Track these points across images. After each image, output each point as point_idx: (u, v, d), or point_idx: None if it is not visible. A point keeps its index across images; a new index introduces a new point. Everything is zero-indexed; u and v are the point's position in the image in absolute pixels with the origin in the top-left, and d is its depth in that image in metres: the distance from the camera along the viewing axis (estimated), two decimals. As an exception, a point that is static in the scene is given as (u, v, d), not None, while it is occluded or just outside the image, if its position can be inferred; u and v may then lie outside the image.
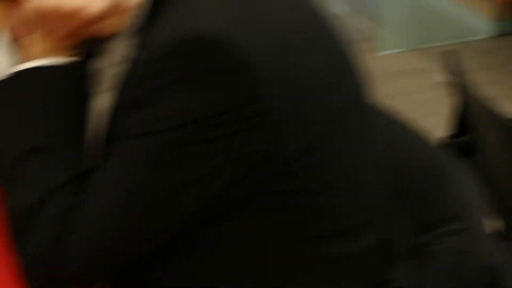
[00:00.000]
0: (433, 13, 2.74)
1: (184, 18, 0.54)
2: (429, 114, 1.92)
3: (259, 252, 0.62)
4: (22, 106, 0.59)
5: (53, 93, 0.59)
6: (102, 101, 0.60)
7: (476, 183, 0.80)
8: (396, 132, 0.83)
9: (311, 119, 0.58)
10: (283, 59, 0.55)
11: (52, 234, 0.55)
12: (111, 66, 0.60)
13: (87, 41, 0.62)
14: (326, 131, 0.60)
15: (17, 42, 0.65)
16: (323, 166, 0.60)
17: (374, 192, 0.68)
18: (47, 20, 0.58)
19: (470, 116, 0.78)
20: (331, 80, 0.63)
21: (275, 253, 0.62)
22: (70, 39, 0.60)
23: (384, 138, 0.75)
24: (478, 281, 0.65)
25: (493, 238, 0.75)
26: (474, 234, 0.72)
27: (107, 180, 0.55)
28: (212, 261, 0.62)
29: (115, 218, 0.56)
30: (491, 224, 0.75)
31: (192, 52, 0.50)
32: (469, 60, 2.30)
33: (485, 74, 2.27)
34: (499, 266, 0.67)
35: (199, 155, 0.53)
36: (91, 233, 0.56)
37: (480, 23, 2.76)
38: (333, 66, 0.65)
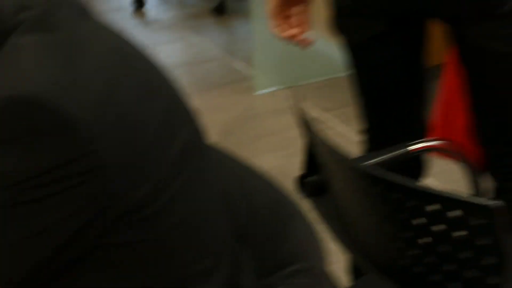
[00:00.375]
0: (306, 51, 2.89)
1: (7, 78, 0.54)
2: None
3: None
4: None
5: None
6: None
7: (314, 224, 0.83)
8: (240, 174, 0.85)
9: (147, 169, 0.59)
10: (110, 113, 0.56)
11: None
12: None
13: None
14: (164, 180, 0.60)
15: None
16: (163, 216, 0.60)
17: (218, 236, 0.69)
18: None
19: (317, 155, 0.82)
20: (166, 128, 0.64)
21: None
22: None
23: (228, 181, 0.78)
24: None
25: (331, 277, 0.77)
26: (316, 274, 0.73)
27: None
28: None
29: None
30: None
31: (17, 113, 0.51)
32: (341, 94, 2.48)
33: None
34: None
35: (32, 214, 0.54)
36: None
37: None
38: (167, 113, 0.66)
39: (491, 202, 0.53)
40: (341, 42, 1.07)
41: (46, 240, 0.57)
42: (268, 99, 2.75)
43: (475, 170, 1.02)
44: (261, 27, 2.62)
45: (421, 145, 1.00)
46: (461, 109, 1.27)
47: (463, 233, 0.59)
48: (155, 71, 0.69)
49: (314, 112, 2.63)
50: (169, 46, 3.35)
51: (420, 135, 1.10)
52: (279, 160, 2.14)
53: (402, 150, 0.93)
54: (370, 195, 0.68)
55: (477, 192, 1.05)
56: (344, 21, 1.06)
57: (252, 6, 2.69)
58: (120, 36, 0.69)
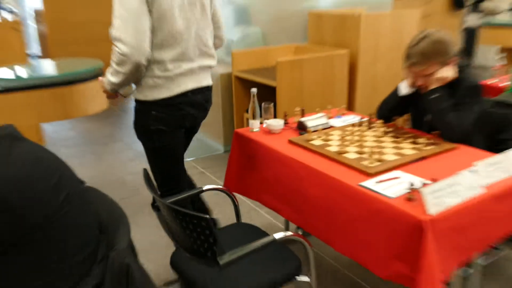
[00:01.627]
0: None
1: None
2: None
3: None
4: None
5: None
6: None
7: None
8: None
9: (43, 207, 1.20)
10: (23, 190, 1.16)
11: None
12: None
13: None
14: (53, 213, 1.20)
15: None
16: (56, 230, 1.26)
17: (92, 236, 1.42)
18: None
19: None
20: (54, 189, 1.23)
21: None
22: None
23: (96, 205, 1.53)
24: None
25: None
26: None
27: None
28: None
29: None
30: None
31: None
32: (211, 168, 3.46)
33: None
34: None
35: None
36: None
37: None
38: (57, 181, 1.25)
39: (207, 216, 1.42)
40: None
41: None
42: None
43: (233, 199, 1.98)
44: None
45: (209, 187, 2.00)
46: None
47: (202, 230, 1.48)
48: (55, 163, 1.33)
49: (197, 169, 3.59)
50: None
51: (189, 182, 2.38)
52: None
53: (197, 190, 1.94)
54: (172, 216, 1.56)
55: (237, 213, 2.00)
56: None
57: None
58: (37, 147, 1.32)
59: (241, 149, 2.38)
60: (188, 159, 4.05)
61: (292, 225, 2.75)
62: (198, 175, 3.72)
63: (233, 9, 4.25)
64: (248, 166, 2.34)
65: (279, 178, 2.12)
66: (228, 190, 2.09)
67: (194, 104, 2.19)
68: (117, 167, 3.93)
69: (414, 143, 2.08)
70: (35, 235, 1.23)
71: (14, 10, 5.81)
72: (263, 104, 2.42)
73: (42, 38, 6.37)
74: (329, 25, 3.97)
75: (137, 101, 2.18)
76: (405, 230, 1.54)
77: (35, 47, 7.33)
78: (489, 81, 3.38)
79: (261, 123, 2.41)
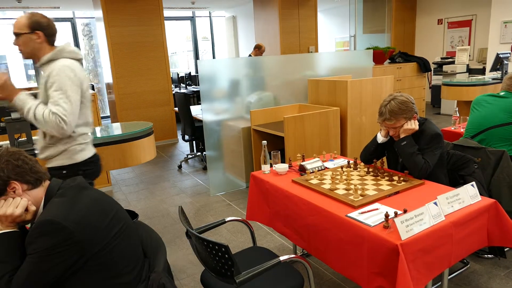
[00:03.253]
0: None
1: (45, 212, 1.27)
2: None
3: None
4: None
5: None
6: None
7: None
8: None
9: (100, 240, 1.28)
10: (85, 224, 1.24)
11: None
12: None
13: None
14: (109, 242, 1.30)
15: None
16: (112, 255, 1.32)
17: (139, 257, 1.43)
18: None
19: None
20: (111, 225, 1.32)
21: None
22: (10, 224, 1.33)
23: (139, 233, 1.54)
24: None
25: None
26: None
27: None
28: None
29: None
30: None
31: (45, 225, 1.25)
32: (236, 200, 3.45)
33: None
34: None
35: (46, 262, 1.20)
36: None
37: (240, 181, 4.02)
38: (112, 218, 1.34)
39: (224, 243, 1.41)
40: None
41: (52, 273, 1.20)
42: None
43: (249, 227, 1.95)
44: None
45: (230, 219, 1.97)
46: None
47: (223, 255, 1.46)
48: (111, 204, 1.38)
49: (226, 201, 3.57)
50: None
51: None
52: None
53: (221, 221, 1.89)
54: (199, 243, 1.56)
55: (253, 238, 1.97)
56: None
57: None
58: (99, 192, 1.38)
59: (257, 187, 2.38)
60: (218, 193, 4.06)
61: (299, 247, 2.69)
62: (225, 206, 3.71)
63: (251, 79, 4.36)
64: (263, 200, 2.33)
65: (285, 210, 2.11)
66: (245, 220, 2.07)
67: (99, 157, 2.20)
68: (164, 201, 3.96)
69: (390, 180, 2.05)
70: (95, 260, 1.25)
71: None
72: (272, 152, 2.43)
73: (112, 104, 6.60)
74: (324, 89, 4.02)
75: (62, 167, 2.00)
76: (383, 252, 1.49)
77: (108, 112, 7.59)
78: (451, 128, 3.34)
79: (271, 166, 2.42)
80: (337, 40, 10.51)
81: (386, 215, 1.55)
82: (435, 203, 1.60)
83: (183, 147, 6.28)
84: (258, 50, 6.57)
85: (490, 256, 2.51)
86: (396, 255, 1.43)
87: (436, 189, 1.91)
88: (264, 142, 2.38)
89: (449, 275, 2.37)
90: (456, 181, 2.32)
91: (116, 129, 2.93)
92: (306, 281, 1.78)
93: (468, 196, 1.73)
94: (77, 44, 9.17)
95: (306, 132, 3.54)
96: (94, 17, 7.77)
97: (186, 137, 5.14)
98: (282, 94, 4.57)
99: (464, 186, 1.75)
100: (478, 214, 1.71)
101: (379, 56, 6.58)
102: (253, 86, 4.38)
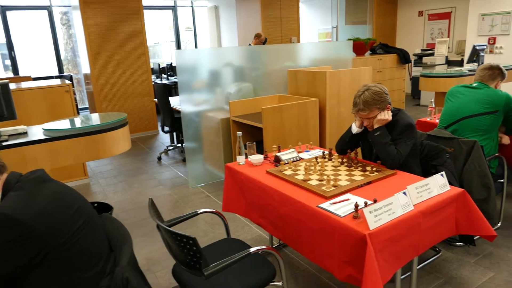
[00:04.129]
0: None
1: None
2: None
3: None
4: None
5: None
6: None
7: None
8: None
9: (64, 232, 1.23)
10: (44, 217, 1.19)
11: None
12: None
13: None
14: (72, 234, 1.25)
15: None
16: (75, 247, 1.26)
17: (104, 249, 1.38)
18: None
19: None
20: (74, 217, 1.28)
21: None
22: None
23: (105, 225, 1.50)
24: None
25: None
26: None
27: None
28: None
29: None
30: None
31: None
32: (215, 192, 3.41)
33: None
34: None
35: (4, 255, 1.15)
36: None
37: (219, 172, 3.99)
38: (75, 211, 1.30)
39: (192, 236, 1.38)
40: None
41: (8, 267, 1.13)
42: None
43: (223, 219, 1.94)
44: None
45: (203, 210, 1.92)
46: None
47: (191, 247, 1.44)
48: (74, 197, 1.34)
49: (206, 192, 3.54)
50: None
51: None
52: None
53: (193, 213, 1.88)
54: (168, 236, 1.53)
55: (227, 230, 1.95)
56: None
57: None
58: (61, 185, 1.32)
59: (232, 178, 2.35)
60: (197, 185, 4.03)
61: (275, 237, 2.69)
62: (204, 198, 3.68)
63: (231, 70, 4.31)
64: (238, 191, 2.31)
65: (260, 201, 2.09)
66: (218, 212, 2.05)
67: None
68: (142, 193, 3.90)
69: (363, 170, 2.05)
70: (58, 254, 1.21)
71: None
72: (247, 143, 2.41)
73: (91, 95, 6.45)
74: (303, 80, 4.00)
75: None
76: (352, 242, 1.50)
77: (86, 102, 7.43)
78: (427, 119, 3.37)
79: (246, 157, 2.40)
80: (320, 31, 10.48)
81: (356, 206, 1.56)
82: (404, 193, 1.61)
83: (164, 138, 6.20)
84: (258, 39, 6.43)
85: (461, 244, 2.56)
86: (364, 245, 1.44)
87: (407, 179, 1.93)
88: (239, 133, 2.35)
89: (421, 263, 2.41)
90: (429, 171, 2.34)
91: (88, 120, 2.84)
92: (279, 272, 1.78)
93: (437, 185, 1.75)
94: (54, 33, 8.90)
95: (285, 123, 3.52)
96: (70, 5, 7.55)
97: (166, 128, 5.06)
98: (262, 85, 4.54)
99: (434, 176, 1.76)
100: (447, 203, 1.73)
101: (360, 48, 6.60)
102: (233, 77, 4.33)
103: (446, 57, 7.41)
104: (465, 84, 2.78)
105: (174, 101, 5.05)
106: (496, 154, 2.63)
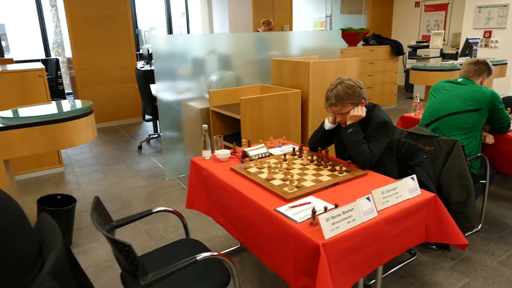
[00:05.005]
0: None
1: None
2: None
3: None
4: None
5: None
6: None
7: None
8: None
9: None
10: None
11: None
12: None
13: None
14: None
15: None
16: None
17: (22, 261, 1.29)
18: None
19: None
20: None
21: None
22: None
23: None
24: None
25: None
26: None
27: None
28: None
29: None
30: None
31: None
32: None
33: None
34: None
35: None
36: None
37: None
38: None
39: (127, 242, 1.25)
40: None
41: None
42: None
43: (181, 218, 1.81)
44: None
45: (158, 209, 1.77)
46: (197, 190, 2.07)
47: (128, 254, 1.31)
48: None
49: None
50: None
51: None
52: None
53: (147, 212, 1.72)
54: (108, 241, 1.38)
55: (186, 230, 1.81)
56: None
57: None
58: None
59: (196, 174, 2.22)
60: (174, 176, 3.89)
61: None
62: (179, 191, 3.54)
63: (214, 57, 4.14)
64: (202, 188, 2.17)
65: (221, 200, 1.96)
66: (176, 211, 1.91)
67: None
68: (117, 184, 3.76)
69: (332, 170, 1.92)
70: None
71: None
72: (215, 136, 2.26)
73: (73, 80, 6.26)
74: (286, 70, 3.84)
75: None
76: (307, 251, 1.37)
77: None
78: (411, 114, 3.23)
79: (212, 152, 2.25)
80: (315, 20, 10.24)
81: (313, 211, 1.42)
82: (368, 198, 1.47)
83: (148, 126, 6.03)
84: (267, 25, 6.08)
85: (436, 247, 2.45)
86: (318, 255, 1.30)
87: (378, 181, 1.79)
88: (205, 126, 2.20)
89: (394, 267, 2.30)
90: (406, 171, 2.21)
91: (50, 108, 2.67)
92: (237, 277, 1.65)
93: (406, 190, 1.61)
94: (41, 15, 8.63)
95: (264, 115, 3.37)
96: (57, -14, 7.29)
97: (147, 116, 4.90)
98: (246, 74, 4.37)
99: (403, 179, 1.63)
100: (416, 209, 1.60)
101: (352, 38, 6.41)
102: (216, 65, 4.16)
103: (441, 49, 7.23)
104: (449, 80, 2.63)
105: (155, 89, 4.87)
106: (479, 154, 2.50)
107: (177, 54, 3.77)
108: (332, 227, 1.34)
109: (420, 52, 7.31)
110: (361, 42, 6.83)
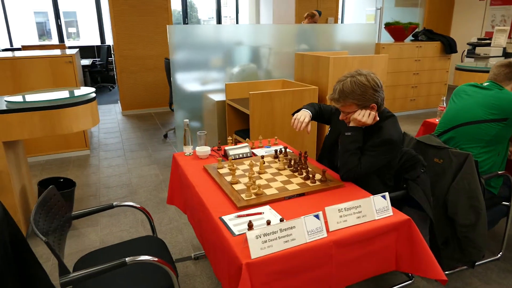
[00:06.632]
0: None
1: None
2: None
3: None
4: None
5: None
6: None
7: None
8: None
9: None
10: None
11: None
12: None
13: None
14: None
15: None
16: None
17: None
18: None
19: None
20: None
21: None
22: None
23: None
24: None
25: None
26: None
27: None
28: None
29: None
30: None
31: None
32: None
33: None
34: None
35: None
36: None
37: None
38: None
39: (43, 238, 1.20)
40: None
41: None
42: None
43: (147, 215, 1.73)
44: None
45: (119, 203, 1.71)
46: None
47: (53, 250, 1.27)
48: None
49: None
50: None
51: None
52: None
53: (107, 205, 1.70)
54: None
55: (153, 228, 1.74)
56: None
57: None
58: None
59: (176, 170, 2.15)
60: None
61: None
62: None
63: (237, 49, 4.03)
64: (180, 185, 2.10)
65: (189, 200, 1.87)
66: (142, 208, 1.85)
67: None
68: (131, 171, 3.83)
69: (305, 178, 1.73)
70: None
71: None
72: (198, 132, 2.17)
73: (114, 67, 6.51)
74: (308, 65, 3.62)
75: None
76: (234, 268, 1.23)
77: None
78: (436, 120, 2.88)
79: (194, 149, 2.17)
80: (368, 13, 9.69)
81: (250, 225, 1.28)
82: (317, 216, 1.29)
83: (180, 115, 6.11)
84: (311, 18, 5.86)
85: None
86: (240, 275, 1.16)
87: (353, 195, 1.59)
88: (186, 120, 2.11)
89: (384, 289, 2.06)
90: (401, 184, 1.95)
91: (54, 95, 2.73)
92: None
93: (373, 209, 1.40)
94: (98, 1, 9.08)
95: (275, 111, 3.21)
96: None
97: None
98: (269, 68, 4.22)
99: (371, 197, 1.41)
100: (383, 232, 1.38)
101: (399, 32, 5.93)
102: (238, 57, 4.06)
103: (504, 48, 6.45)
104: (474, 83, 2.28)
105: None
106: (500, 172, 2.14)
107: (196, 45, 3.73)
108: (262, 246, 1.19)
109: (479, 50, 6.58)
110: (410, 38, 6.31)
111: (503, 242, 2.37)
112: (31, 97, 2.54)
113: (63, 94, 2.64)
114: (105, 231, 2.70)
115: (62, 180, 2.79)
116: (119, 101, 6.69)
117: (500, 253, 2.35)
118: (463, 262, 2.09)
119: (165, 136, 4.97)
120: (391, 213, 1.43)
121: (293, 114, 2.02)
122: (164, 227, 2.74)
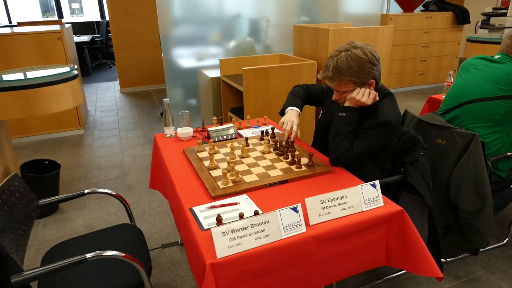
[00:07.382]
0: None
1: None
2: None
3: None
4: None
5: None
6: None
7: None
8: None
9: None
10: None
11: None
12: None
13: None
14: None
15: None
16: None
17: None
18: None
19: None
20: None
21: None
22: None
23: None
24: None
25: None
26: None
27: None
28: None
29: None
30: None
31: None
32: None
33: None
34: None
35: None
36: None
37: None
38: None
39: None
40: None
41: None
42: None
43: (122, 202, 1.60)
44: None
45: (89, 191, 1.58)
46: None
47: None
48: None
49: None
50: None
51: None
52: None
53: (79, 193, 1.56)
54: None
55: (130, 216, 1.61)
56: None
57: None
58: None
59: (156, 152, 2.00)
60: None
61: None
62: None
63: (233, 22, 3.80)
64: (160, 169, 1.97)
65: (167, 186, 1.73)
66: (118, 195, 1.72)
67: None
68: (124, 151, 3.72)
69: (290, 163, 1.58)
70: None
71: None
72: (180, 112, 2.01)
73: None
74: (307, 38, 3.39)
75: None
76: (200, 267, 1.10)
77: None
78: (442, 96, 2.67)
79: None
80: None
81: (218, 219, 1.13)
82: (295, 209, 1.14)
83: (180, 93, 5.94)
84: None
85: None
86: (204, 276, 1.03)
87: (342, 182, 1.43)
88: (166, 99, 1.95)
89: (379, 278, 1.94)
90: (399, 167, 1.79)
91: (26, 74, 2.57)
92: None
93: (361, 199, 1.24)
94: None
95: (271, 88, 3.02)
96: None
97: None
98: (268, 42, 3.99)
99: (359, 186, 1.25)
100: (372, 225, 1.23)
101: (407, 2, 5.58)
102: (236, 31, 3.83)
103: (521, 18, 6.05)
104: (484, 56, 2.06)
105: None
106: (510, 154, 1.95)
107: (189, 19, 3.51)
108: (230, 244, 1.05)
109: (494, 20, 6.19)
110: (420, 8, 5.95)
111: (510, 227, 2.20)
112: (7, 77, 2.40)
113: (42, 72, 2.48)
114: (92, 214, 2.61)
115: (47, 162, 2.68)
116: (118, 79, 6.53)
117: (506, 239, 2.20)
118: (465, 249, 1.94)
119: (162, 114, 4.83)
120: (382, 204, 1.27)
121: (280, 113, 1.81)
122: (153, 210, 2.64)
